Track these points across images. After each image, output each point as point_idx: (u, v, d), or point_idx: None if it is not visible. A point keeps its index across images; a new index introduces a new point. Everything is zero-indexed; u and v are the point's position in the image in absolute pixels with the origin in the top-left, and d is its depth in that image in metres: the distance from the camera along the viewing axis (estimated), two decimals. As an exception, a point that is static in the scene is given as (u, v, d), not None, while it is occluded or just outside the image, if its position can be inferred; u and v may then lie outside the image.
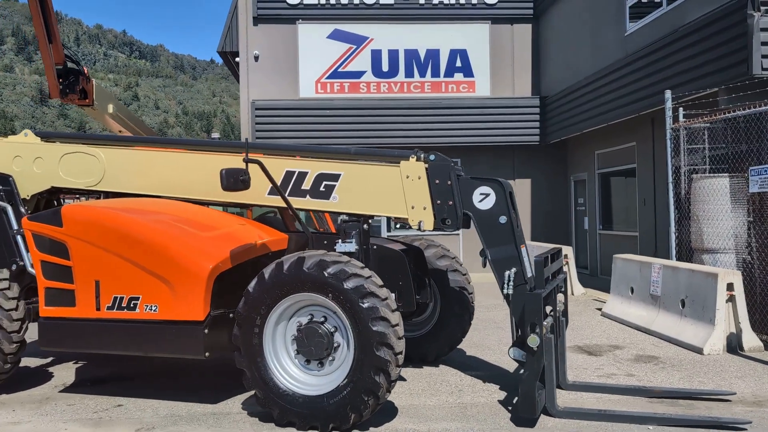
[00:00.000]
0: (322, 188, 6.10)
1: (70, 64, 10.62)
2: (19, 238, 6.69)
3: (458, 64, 15.89)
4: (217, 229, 5.89)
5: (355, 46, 15.68)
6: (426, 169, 5.75)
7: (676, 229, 8.84)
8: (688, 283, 7.64)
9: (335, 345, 5.04)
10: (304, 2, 15.57)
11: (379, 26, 15.72)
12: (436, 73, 15.85)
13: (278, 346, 5.18)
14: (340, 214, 6.28)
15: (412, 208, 5.79)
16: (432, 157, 5.83)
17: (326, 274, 4.91)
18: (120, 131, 11.19)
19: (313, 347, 5.05)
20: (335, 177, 6.05)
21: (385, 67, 15.77)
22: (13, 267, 6.53)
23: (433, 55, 15.83)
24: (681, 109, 8.81)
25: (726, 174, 8.11)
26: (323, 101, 15.36)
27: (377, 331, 4.78)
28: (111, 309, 5.64)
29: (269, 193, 6.28)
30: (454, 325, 6.94)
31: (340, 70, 15.68)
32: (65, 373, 7.02)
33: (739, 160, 8.03)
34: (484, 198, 5.63)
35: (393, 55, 15.77)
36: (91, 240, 5.70)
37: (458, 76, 15.89)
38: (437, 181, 5.72)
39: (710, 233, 8.24)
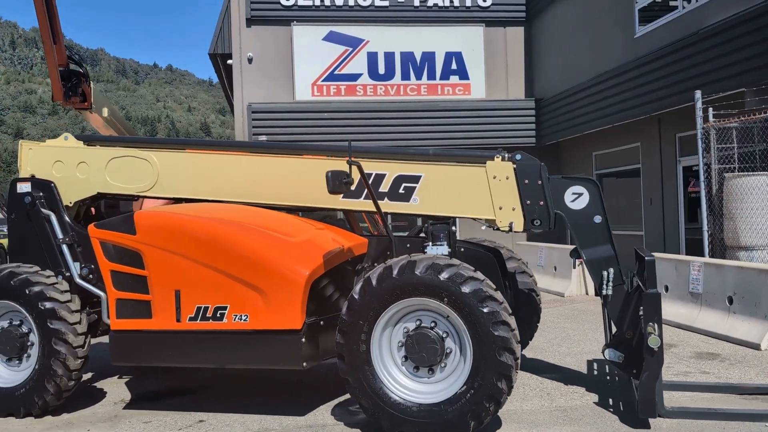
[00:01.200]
0: (401, 190, 5.94)
1: (72, 66, 10.17)
2: (65, 247, 6.34)
3: (453, 66, 15.91)
4: (300, 234, 5.67)
5: (351, 49, 15.52)
6: (514, 169, 5.66)
7: (709, 227, 9.00)
8: (737, 280, 7.76)
9: (447, 351, 4.89)
10: (299, 3, 15.33)
11: (375, 28, 15.61)
12: (432, 76, 15.82)
13: (384, 353, 4.98)
14: (419, 216, 6.14)
15: (500, 209, 5.69)
16: (518, 156, 5.74)
17: (441, 278, 4.76)
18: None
19: (425, 353, 4.88)
20: (415, 179, 5.90)
21: (381, 70, 15.66)
22: (59, 278, 6.16)
23: (428, 57, 15.80)
24: (711, 108, 8.97)
25: (763, 172, 8.30)
26: (319, 104, 15.15)
27: (499, 335, 4.65)
28: (194, 320, 5.36)
29: (345, 197, 6.09)
30: (524, 327, 6.85)
31: (336, 72, 15.50)
32: (117, 388, 6.64)
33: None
34: (576, 198, 5.57)
35: (389, 57, 15.68)
36: (170, 248, 5.42)
37: (454, 79, 15.91)
38: (526, 181, 5.63)
39: (746, 230, 8.40)
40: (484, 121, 15.45)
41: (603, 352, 5.50)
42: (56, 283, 5.87)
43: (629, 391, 5.79)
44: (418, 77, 15.78)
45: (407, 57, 15.74)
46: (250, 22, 15.21)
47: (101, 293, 5.79)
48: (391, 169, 5.97)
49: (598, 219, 5.51)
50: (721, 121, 8.78)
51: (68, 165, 6.77)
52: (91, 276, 6.09)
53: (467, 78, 15.93)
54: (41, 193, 6.60)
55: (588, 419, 5.19)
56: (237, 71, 15.29)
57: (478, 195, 5.74)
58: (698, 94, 9.07)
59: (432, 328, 4.90)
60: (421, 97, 15.70)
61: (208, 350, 5.38)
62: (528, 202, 5.62)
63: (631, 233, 13.30)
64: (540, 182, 5.61)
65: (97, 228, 5.67)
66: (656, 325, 4.91)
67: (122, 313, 5.54)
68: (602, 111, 13.05)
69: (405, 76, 15.73)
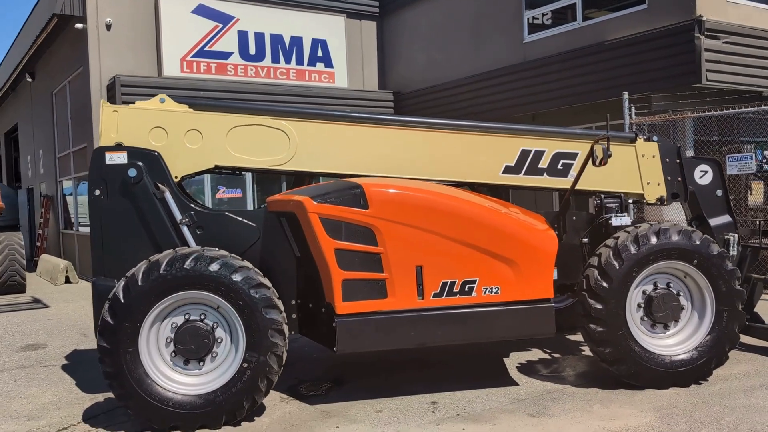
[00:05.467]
0: (559, 166, 6.37)
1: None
2: (185, 229, 5.47)
3: (319, 53, 15.89)
4: (509, 207, 5.75)
5: (221, 25, 14.52)
6: (658, 147, 6.48)
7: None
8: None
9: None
10: (164, -31, 13.86)
11: (246, 7, 14.84)
12: (300, 61, 15.60)
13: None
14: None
15: (648, 184, 6.48)
16: (655, 138, 6.59)
17: (695, 242, 5.41)
18: None
19: (668, 311, 5.48)
20: (573, 156, 6.37)
21: (252, 50, 14.95)
22: None
23: (297, 42, 15.55)
24: (633, 107, 10.78)
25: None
26: (190, 81, 13.93)
27: (738, 290, 5.49)
28: (439, 296, 5.19)
29: (503, 172, 6.27)
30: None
31: (206, 49, 14.38)
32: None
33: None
34: (703, 174, 6.62)
35: (259, 38, 15.04)
36: (410, 222, 5.16)
37: (320, 66, 15.89)
38: (667, 160, 6.52)
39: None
40: (348, 111, 15.71)
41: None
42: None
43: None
44: (288, 61, 15.39)
45: (277, 39, 15.24)
46: (109, -18, 13.28)
47: None
48: (549, 147, 6.33)
49: (719, 192, 6.62)
50: (651, 118, 10.63)
51: (173, 132, 5.80)
52: None
53: (332, 66, 16.01)
54: (142, 165, 5.51)
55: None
56: (93, 38, 13.21)
57: (629, 171, 6.44)
58: (626, 94, 10.80)
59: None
60: (291, 82, 15.35)
61: (454, 326, 5.24)
62: (669, 178, 6.50)
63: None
64: (678, 161, 6.53)
65: (318, 203, 5.02)
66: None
67: (350, 294, 5.07)
68: (481, 107, 14.37)
69: (275, 58, 15.21)
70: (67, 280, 14.14)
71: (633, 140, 6.46)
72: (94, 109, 13.39)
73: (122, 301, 4.78)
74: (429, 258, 5.16)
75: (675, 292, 5.57)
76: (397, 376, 6.08)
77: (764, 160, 10.42)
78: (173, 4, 13.99)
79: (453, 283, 5.20)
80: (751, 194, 10.63)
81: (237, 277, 4.86)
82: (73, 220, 16.70)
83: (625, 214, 6.16)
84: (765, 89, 11.94)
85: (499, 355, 6.62)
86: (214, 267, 4.85)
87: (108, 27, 13.43)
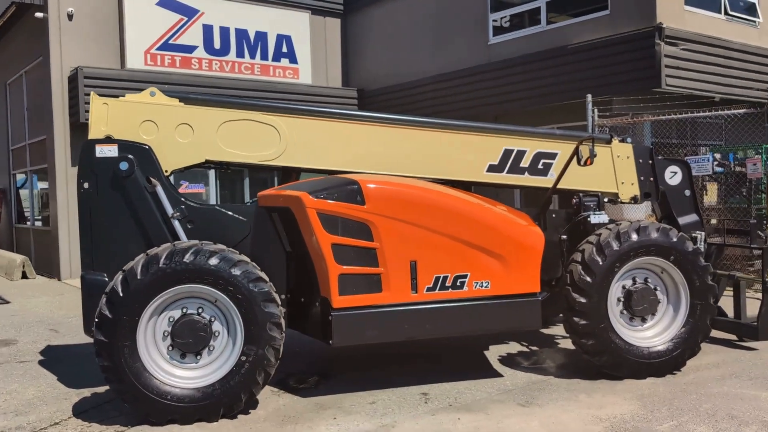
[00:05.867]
0: (540, 166, 6.60)
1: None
2: (177, 223, 5.49)
3: (284, 49, 15.85)
4: (496, 205, 5.93)
5: (186, 18, 14.34)
6: (632, 149, 6.78)
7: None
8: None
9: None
10: (129, -40, 13.61)
11: (211, 0, 14.68)
12: (265, 56, 15.53)
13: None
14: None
15: (622, 183, 6.77)
16: (629, 140, 6.89)
17: (672, 239, 5.70)
18: None
19: (646, 305, 5.75)
20: (552, 155, 6.60)
21: (217, 45, 14.81)
22: None
23: (262, 37, 15.47)
24: (596, 109, 11.15)
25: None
26: (154, 74, 13.73)
27: (711, 285, 5.81)
28: (432, 290, 5.34)
29: (487, 171, 6.46)
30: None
31: (171, 42, 14.18)
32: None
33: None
34: (673, 175, 6.94)
35: (224, 32, 14.91)
36: (405, 218, 5.30)
37: (285, 62, 15.85)
38: (640, 161, 6.82)
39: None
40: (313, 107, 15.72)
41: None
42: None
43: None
44: (252, 56, 15.28)
45: (242, 34, 15.12)
46: (71, -29, 12.94)
47: None
48: (531, 146, 6.55)
49: (687, 192, 6.95)
50: (615, 120, 11.00)
51: (163, 126, 5.80)
52: None
53: (296, 62, 15.97)
54: (133, 159, 5.51)
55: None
56: (54, 28, 12.85)
57: (605, 171, 6.71)
58: (589, 97, 11.16)
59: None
60: (255, 77, 15.25)
61: (446, 320, 5.39)
62: (642, 178, 6.80)
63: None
64: (651, 162, 6.84)
65: (315, 198, 5.10)
66: (768, 271, 6.56)
67: (346, 289, 5.18)
68: (445, 106, 14.57)
69: (240, 53, 15.08)
70: (24, 276, 13.75)
71: (609, 141, 6.73)
72: (54, 101, 13.07)
73: (121, 294, 4.77)
74: (422, 253, 5.29)
75: (652, 286, 5.85)
76: (383, 369, 6.20)
77: (715, 162, 10.94)
78: (137, -5, 13.77)
79: (446, 278, 5.35)
80: (706, 194, 11.14)
81: (236, 271, 4.91)
82: (27, 214, 16.24)
83: (603, 212, 6.42)
84: (717, 95, 12.52)
85: (480, 347, 6.81)
86: (213, 261, 4.88)
87: (70, 17, 13.11)
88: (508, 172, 6.49)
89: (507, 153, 6.48)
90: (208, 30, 14.68)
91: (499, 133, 6.50)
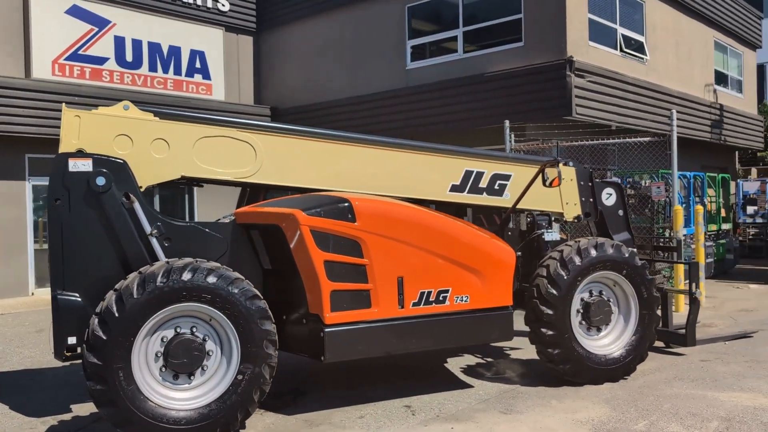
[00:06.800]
0: (496, 186, 7.00)
1: None
2: (154, 241, 5.43)
3: (197, 65, 15.57)
4: (470, 225, 6.24)
5: (97, 29, 13.78)
6: (575, 172, 7.34)
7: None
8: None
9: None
10: (36, -35, 12.92)
11: (123, 11, 14.21)
12: (178, 71, 15.18)
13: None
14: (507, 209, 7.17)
15: (567, 204, 7.30)
16: (571, 163, 7.45)
17: (624, 255, 6.24)
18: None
19: (602, 315, 6.25)
20: (507, 177, 7.03)
21: (129, 57, 14.31)
22: None
23: (175, 52, 15.12)
24: (513, 134, 11.85)
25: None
26: (63, 85, 13.07)
27: (656, 296, 6.40)
28: (417, 305, 5.56)
29: (450, 191, 6.78)
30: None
31: (80, 52, 13.56)
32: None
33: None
34: (609, 196, 7.57)
35: (137, 45, 14.44)
36: (393, 235, 5.50)
37: (198, 77, 15.56)
38: (582, 183, 7.39)
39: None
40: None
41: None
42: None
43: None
44: (165, 71, 14.86)
45: (155, 48, 14.67)
46: (-29, -27, 12.10)
47: None
48: (488, 168, 6.94)
49: (621, 212, 7.60)
50: (531, 144, 11.72)
51: (138, 141, 5.70)
52: None
53: (209, 78, 15.69)
54: (111, 174, 5.38)
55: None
56: (-48, 31, 11.94)
57: (552, 192, 7.19)
58: (507, 123, 11.84)
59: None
60: (169, 92, 14.84)
61: (429, 333, 5.62)
62: (583, 199, 7.37)
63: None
64: (590, 184, 7.43)
65: (309, 216, 5.18)
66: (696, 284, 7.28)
67: (338, 305, 5.28)
68: (362, 128, 14.85)
69: (152, 67, 14.62)
70: None
71: (555, 165, 7.25)
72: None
73: (116, 314, 4.60)
74: (409, 269, 5.49)
75: (606, 298, 6.37)
76: (356, 384, 6.30)
77: (627, 185, 11.91)
78: (45, 2, 13.07)
79: (429, 293, 5.57)
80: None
81: (234, 289, 4.88)
82: None
83: (554, 230, 6.91)
84: (614, 123, 13.67)
85: (440, 360, 7.07)
86: (211, 278, 4.83)
87: (-31, 21, 12.26)
88: (468, 192, 6.81)
89: (468, 174, 6.82)
90: (120, 42, 14.18)
91: (460, 156, 6.84)
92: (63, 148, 5.40)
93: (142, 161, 5.60)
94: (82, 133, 5.48)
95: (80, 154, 5.38)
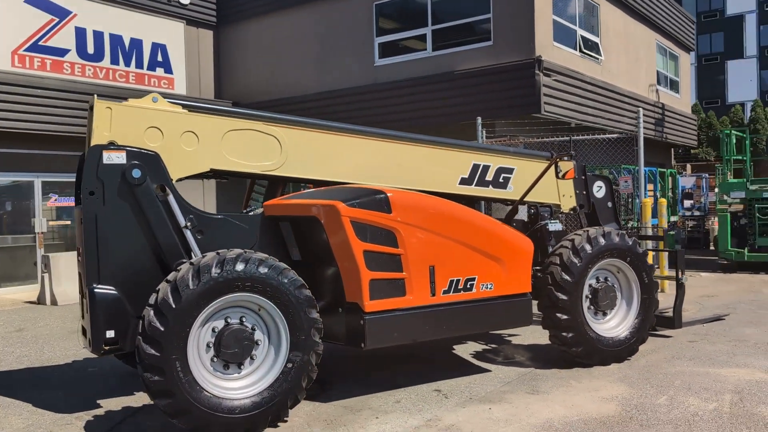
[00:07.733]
0: (501, 180, 7.32)
1: None
2: (188, 233, 5.49)
3: (159, 58, 15.29)
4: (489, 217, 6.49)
5: (57, 19, 13.35)
6: (574, 166, 7.70)
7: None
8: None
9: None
10: (-7, -49, 12.42)
11: (84, 2, 13.80)
12: (140, 64, 14.86)
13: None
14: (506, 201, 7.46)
15: (563, 196, 7.68)
16: (566, 158, 7.82)
17: (628, 243, 6.63)
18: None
19: (608, 300, 6.62)
20: (510, 170, 7.36)
21: (90, 49, 13.91)
22: None
23: (137, 45, 14.79)
24: (484, 130, 12.22)
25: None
26: (24, 77, 12.62)
27: (656, 282, 6.83)
28: (447, 293, 5.78)
29: (459, 183, 7.03)
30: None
31: (40, 43, 13.10)
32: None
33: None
34: (599, 189, 8.00)
35: (98, 37, 14.06)
36: (425, 225, 5.71)
37: (160, 71, 15.28)
38: (576, 176, 7.77)
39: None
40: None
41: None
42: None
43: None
44: (127, 63, 14.49)
45: (117, 40, 14.29)
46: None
47: None
48: (494, 162, 7.24)
49: (609, 204, 8.04)
50: (502, 140, 12.12)
51: (169, 134, 5.73)
52: None
53: (171, 72, 15.40)
54: (150, 169, 5.39)
55: (632, 338, 7.66)
56: None
57: (550, 185, 7.57)
58: (479, 120, 12.19)
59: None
60: (130, 85, 14.50)
61: (458, 320, 5.85)
62: (577, 191, 7.76)
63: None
64: (584, 177, 7.83)
65: (349, 207, 5.31)
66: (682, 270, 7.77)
67: (377, 293, 5.45)
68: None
69: (114, 60, 14.24)
70: None
71: (571, 158, 7.61)
72: None
73: (172, 305, 4.61)
74: (439, 258, 5.70)
75: (611, 284, 6.75)
76: (373, 372, 6.46)
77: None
78: (3, -10, 12.59)
79: (458, 281, 5.80)
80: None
81: (284, 279, 4.96)
82: None
83: (557, 220, 7.26)
84: (573, 120, 14.26)
85: (447, 348, 7.31)
86: (263, 269, 4.90)
87: (-77, 8, 11.67)
88: (476, 185, 7.09)
89: (475, 167, 7.09)
90: (81, 33, 13.77)
91: (469, 150, 7.10)
92: (95, 140, 5.35)
93: (172, 154, 5.60)
94: (113, 125, 5.44)
95: (114, 146, 5.34)
